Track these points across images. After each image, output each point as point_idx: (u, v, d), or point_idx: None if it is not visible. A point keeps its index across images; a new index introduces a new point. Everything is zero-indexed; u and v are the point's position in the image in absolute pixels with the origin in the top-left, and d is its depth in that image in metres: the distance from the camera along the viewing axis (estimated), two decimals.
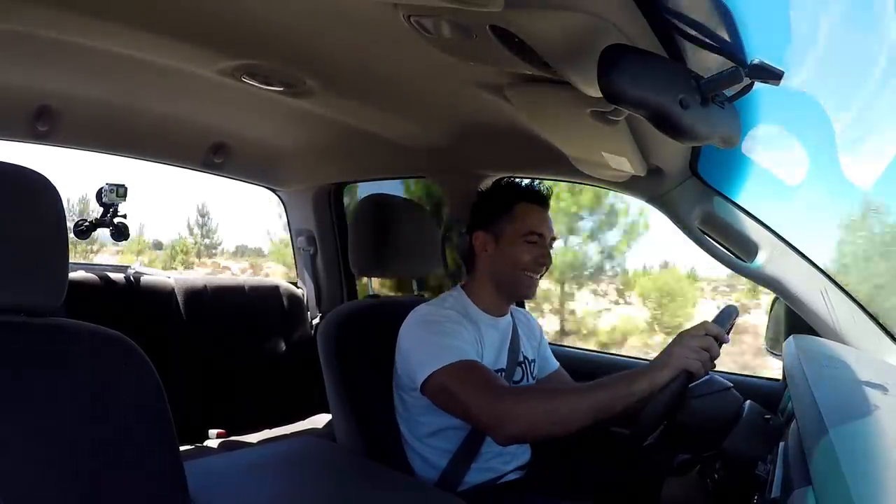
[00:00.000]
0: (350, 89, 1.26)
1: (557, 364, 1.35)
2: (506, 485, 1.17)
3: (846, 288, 1.10)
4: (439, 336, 1.06)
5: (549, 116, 1.14)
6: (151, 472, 0.72)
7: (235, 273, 12.16)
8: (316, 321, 2.21)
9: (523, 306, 1.71)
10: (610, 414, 0.90)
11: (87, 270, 1.82)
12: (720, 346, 0.92)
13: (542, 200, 1.20)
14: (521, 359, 1.23)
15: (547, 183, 1.27)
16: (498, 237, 1.18)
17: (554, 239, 1.21)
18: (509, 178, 1.25)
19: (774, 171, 1.19)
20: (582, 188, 6.81)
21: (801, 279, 1.11)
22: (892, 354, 1.07)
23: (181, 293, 1.95)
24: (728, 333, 0.95)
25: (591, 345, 7.60)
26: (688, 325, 0.96)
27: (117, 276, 1.86)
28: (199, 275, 5.77)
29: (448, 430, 1.11)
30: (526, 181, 1.24)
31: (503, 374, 1.17)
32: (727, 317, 0.97)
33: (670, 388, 0.87)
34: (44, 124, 1.51)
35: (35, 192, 0.68)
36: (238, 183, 2.12)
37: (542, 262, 1.17)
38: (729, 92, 0.73)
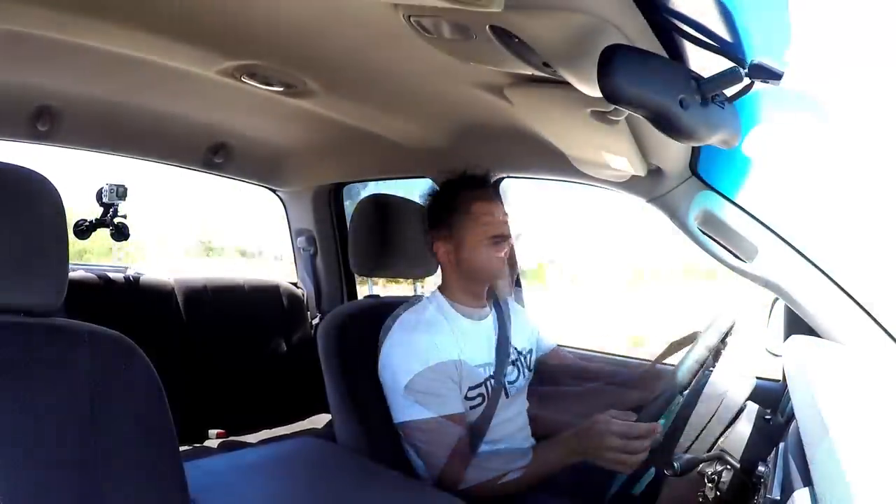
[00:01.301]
0: (350, 89, 1.26)
1: (554, 343, 1.37)
2: (506, 485, 1.16)
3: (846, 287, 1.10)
4: (417, 378, 1.08)
5: (549, 116, 1.14)
6: (151, 472, 0.72)
7: None
8: (316, 321, 2.21)
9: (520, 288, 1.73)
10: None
11: (86, 270, 1.82)
12: (651, 439, 0.92)
13: (493, 195, 1.23)
14: (515, 356, 1.23)
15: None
16: (459, 245, 1.19)
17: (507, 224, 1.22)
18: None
19: (774, 171, 1.19)
20: None
21: (801, 279, 1.11)
22: (892, 354, 1.07)
23: (181, 293, 1.95)
24: (724, 344, 0.94)
25: None
26: None
27: (117, 276, 1.86)
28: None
29: None
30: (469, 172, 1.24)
31: (492, 374, 1.17)
32: (708, 341, 0.99)
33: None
34: (44, 124, 1.51)
35: (35, 192, 0.68)
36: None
37: (506, 255, 1.19)
38: (729, 92, 0.73)
